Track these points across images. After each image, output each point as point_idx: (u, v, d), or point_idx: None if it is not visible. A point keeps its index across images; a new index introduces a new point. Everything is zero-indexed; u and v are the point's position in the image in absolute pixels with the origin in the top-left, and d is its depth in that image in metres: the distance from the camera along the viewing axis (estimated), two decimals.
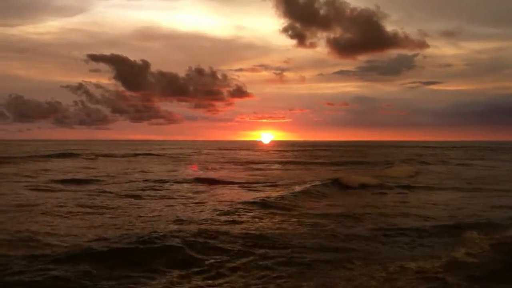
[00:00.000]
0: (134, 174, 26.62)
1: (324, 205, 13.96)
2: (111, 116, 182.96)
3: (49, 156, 44.67)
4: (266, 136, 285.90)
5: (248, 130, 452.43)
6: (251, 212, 12.00)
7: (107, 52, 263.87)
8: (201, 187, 19.52)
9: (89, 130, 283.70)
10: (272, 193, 16.00)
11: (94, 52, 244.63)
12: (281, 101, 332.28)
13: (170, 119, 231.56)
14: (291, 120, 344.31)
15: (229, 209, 12.46)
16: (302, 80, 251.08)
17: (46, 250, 7.89)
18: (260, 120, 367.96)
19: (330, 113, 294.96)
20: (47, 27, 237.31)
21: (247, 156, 55.52)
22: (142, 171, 29.22)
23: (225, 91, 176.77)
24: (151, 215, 11.99)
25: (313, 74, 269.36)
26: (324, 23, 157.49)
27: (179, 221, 10.98)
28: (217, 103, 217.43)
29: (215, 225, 10.31)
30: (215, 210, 12.55)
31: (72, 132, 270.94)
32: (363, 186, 19.17)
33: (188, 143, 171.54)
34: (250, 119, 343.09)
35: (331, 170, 30.59)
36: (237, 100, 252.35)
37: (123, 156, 52.46)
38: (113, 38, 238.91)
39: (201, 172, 29.14)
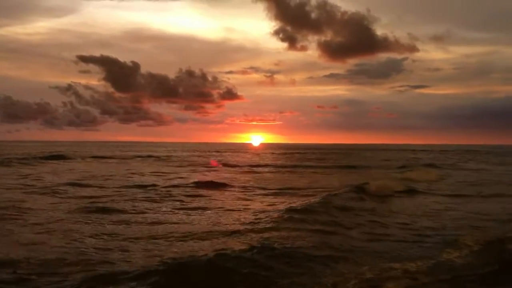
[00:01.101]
0: (143, 177, 26.30)
1: (351, 214, 13.44)
2: (100, 118, 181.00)
3: (45, 158, 43.85)
4: (256, 138, 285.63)
5: (238, 132, 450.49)
6: (289, 224, 11.35)
7: (97, 53, 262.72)
8: (215, 193, 18.87)
9: (78, 131, 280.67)
10: (294, 201, 15.59)
11: (83, 53, 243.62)
12: (272, 104, 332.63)
13: (159, 120, 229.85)
14: (281, 122, 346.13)
15: (267, 219, 11.92)
16: (293, 83, 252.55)
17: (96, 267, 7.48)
18: (250, 123, 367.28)
19: (320, 115, 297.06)
20: (36, 28, 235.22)
21: (244, 159, 54.99)
22: (156, 173, 29.31)
23: (215, 93, 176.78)
24: (187, 227, 11.32)
25: (303, 77, 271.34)
26: (315, 26, 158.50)
27: (215, 234, 10.50)
28: (207, 105, 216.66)
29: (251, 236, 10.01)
30: (245, 219, 12.20)
31: (61, 133, 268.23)
32: (392, 192, 18.48)
33: (179, 145, 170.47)
34: (240, 121, 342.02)
35: (340, 174, 30.55)
36: (227, 102, 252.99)
37: (121, 158, 51.92)
38: (103, 39, 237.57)
39: (213, 175, 28.82)
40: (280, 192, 19.47)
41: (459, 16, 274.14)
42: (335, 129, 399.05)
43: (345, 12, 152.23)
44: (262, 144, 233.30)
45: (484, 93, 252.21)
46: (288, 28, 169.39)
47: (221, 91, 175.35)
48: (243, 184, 22.64)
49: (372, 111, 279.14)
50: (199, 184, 21.55)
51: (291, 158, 60.38)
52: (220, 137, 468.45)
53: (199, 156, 61.45)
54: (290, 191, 19.94)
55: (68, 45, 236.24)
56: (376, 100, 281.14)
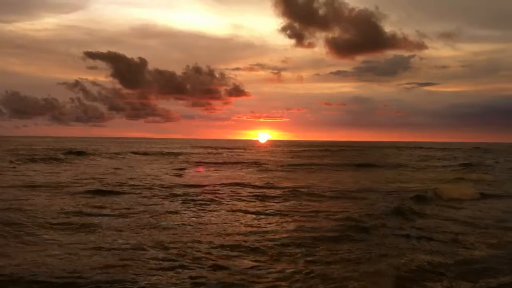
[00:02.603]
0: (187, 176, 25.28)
1: (440, 222, 12.32)
2: (107, 114, 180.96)
3: (67, 154, 42.62)
4: (263, 135, 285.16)
5: (245, 129, 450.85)
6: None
7: (104, 49, 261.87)
8: (272, 194, 17.65)
9: (85, 127, 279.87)
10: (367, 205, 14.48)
11: (91, 50, 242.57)
12: (279, 101, 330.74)
13: (166, 117, 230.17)
14: (288, 119, 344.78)
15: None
16: (300, 79, 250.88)
17: None
18: (257, 119, 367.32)
19: (327, 113, 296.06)
20: (44, 24, 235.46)
21: (270, 158, 53.63)
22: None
23: (222, 90, 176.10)
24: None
25: (310, 74, 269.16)
26: (322, 23, 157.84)
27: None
28: (214, 102, 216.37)
29: None
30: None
31: (69, 129, 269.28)
32: (467, 197, 16.89)
33: (189, 141, 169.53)
34: (247, 118, 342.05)
35: (378, 174, 29.46)
36: (234, 99, 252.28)
37: (144, 154, 50.68)
38: (110, 36, 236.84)
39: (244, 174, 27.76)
40: (333, 195, 17.60)
41: (468, 14, 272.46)
42: (342, 126, 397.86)
43: (353, 9, 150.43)
44: (269, 141, 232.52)
45: (493, 90, 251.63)
46: (296, 25, 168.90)
47: (228, 88, 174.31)
48: (287, 185, 20.89)
49: (379, 109, 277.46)
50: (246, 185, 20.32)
51: (310, 155, 58.71)
52: (226, 133, 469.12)
53: (219, 154, 60.26)
54: (343, 192, 18.47)
55: (76, 41, 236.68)
56: (383, 97, 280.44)
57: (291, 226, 10.99)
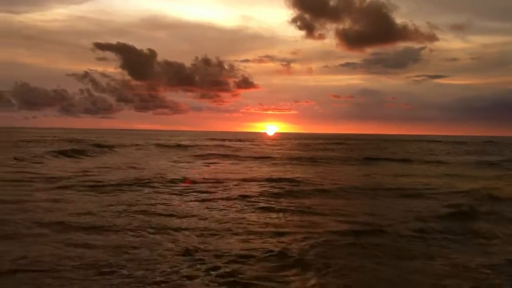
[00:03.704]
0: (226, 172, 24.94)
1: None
2: (116, 105, 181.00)
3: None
4: (271, 127, 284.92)
5: (253, 121, 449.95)
6: None
7: (113, 40, 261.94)
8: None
9: (94, 119, 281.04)
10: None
11: (100, 41, 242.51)
12: (287, 93, 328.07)
13: (175, 109, 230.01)
14: (296, 112, 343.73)
15: None
16: (310, 71, 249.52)
17: None
18: (265, 112, 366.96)
19: (335, 105, 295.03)
20: (54, 15, 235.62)
21: (274, 150, 53.05)
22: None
23: (231, 81, 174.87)
24: None
25: (319, 66, 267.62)
26: (333, 15, 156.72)
27: None
28: (223, 94, 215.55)
29: None
30: None
31: (78, 121, 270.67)
32: None
33: (198, 134, 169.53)
34: (255, 110, 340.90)
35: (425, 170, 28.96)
36: (243, 91, 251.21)
37: (165, 146, 50.32)
38: (120, 27, 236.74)
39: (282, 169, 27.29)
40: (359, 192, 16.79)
41: (478, 5, 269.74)
42: (351, 119, 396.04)
43: (364, 0, 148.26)
44: (277, 133, 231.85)
45: (503, 84, 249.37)
46: (306, 16, 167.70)
47: (236, 80, 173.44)
48: (307, 180, 19.84)
49: (388, 102, 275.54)
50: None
51: (322, 148, 57.90)
52: (235, 126, 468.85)
53: (230, 147, 59.59)
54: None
55: (86, 32, 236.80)
56: (392, 90, 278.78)
57: (316, 228, 10.41)
